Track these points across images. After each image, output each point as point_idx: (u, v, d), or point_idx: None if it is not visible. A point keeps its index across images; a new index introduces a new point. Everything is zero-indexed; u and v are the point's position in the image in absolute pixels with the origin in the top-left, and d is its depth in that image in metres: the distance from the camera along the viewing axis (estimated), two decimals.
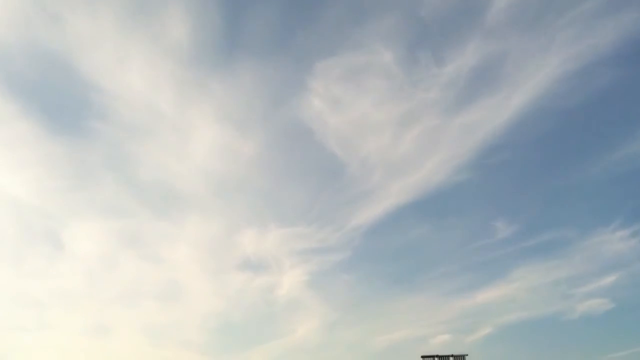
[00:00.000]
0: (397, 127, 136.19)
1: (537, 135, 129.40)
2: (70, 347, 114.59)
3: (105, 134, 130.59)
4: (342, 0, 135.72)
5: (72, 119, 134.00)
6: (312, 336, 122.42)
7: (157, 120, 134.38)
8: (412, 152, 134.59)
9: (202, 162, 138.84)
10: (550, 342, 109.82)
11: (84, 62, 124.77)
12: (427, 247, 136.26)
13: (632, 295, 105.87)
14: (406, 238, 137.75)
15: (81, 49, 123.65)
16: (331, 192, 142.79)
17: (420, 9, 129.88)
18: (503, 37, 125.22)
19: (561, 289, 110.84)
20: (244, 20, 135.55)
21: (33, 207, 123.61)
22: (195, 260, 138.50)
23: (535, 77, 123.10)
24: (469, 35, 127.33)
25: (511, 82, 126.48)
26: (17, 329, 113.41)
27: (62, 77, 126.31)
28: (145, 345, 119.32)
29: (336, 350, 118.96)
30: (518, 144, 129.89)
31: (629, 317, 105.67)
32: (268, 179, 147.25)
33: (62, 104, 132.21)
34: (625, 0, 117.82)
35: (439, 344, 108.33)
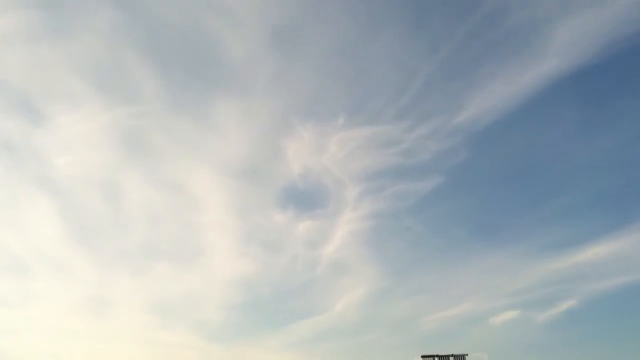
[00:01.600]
0: None
1: None
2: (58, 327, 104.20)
3: None
4: None
5: None
6: (351, 313, 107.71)
7: None
8: None
9: None
10: None
11: None
12: (563, 158, 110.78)
13: None
14: (538, 142, 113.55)
15: None
16: (452, 49, 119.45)
17: None
18: None
19: None
20: None
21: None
22: (219, 190, 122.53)
23: None
24: None
25: None
26: None
27: None
28: (150, 327, 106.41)
29: (377, 331, 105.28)
30: None
31: None
32: (342, 27, 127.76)
33: None
34: None
35: (499, 325, 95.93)
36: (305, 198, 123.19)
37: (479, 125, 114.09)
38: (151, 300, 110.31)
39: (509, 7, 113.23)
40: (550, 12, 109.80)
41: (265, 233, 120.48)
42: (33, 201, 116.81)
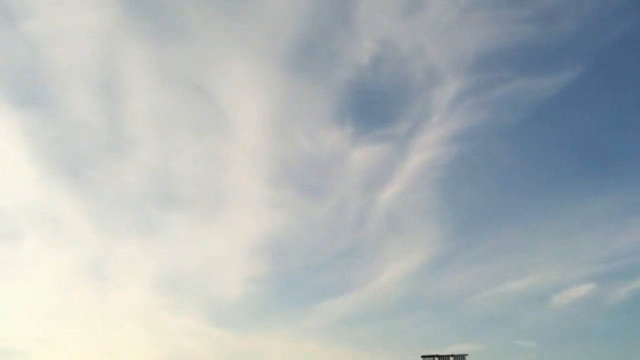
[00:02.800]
0: None
1: None
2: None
3: None
4: None
5: None
6: (394, 290, 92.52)
7: None
8: None
9: None
10: None
11: None
12: None
13: None
14: None
15: None
16: None
17: None
18: None
19: None
20: None
21: None
22: (253, 96, 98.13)
23: None
24: None
25: None
26: None
27: None
28: (154, 308, 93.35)
29: (418, 314, 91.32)
30: None
31: None
32: None
33: None
34: None
35: (565, 305, 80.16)
36: (374, 104, 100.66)
37: None
38: (158, 272, 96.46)
39: None
40: None
41: (308, 165, 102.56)
42: None
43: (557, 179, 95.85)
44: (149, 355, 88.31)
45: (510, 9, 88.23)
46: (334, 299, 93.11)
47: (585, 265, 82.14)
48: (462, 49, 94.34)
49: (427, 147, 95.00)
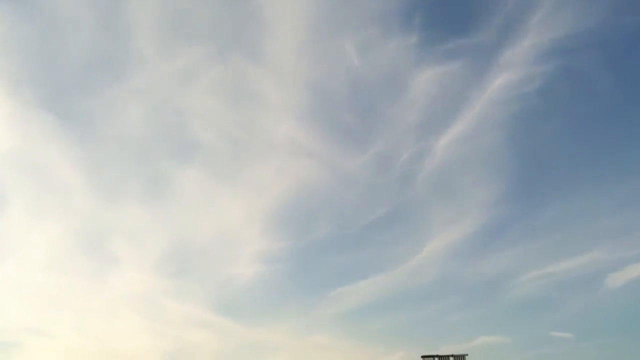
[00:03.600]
0: None
1: None
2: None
3: None
4: None
5: None
6: (430, 269, 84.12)
7: None
8: None
9: None
10: None
11: None
12: None
13: None
14: None
15: None
16: None
17: None
18: None
19: None
20: None
21: None
22: None
23: None
24: None
25: None
26: None
27: None
28: (158, 292, 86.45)
29: (455, 296, 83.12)
30: None
31: None
32: None
33: None
34: None
35: (620, 286, 69.49)
36: (451, 2, 70.45)
37: None
38: (164, 248, 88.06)
39: None
40: None
41: (351, 94, 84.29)
42: None
43: None
44: (150, 348, 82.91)
45: None
46: (355, 282, 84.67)
47: None
48: None
49: (513, 65, 70.11)
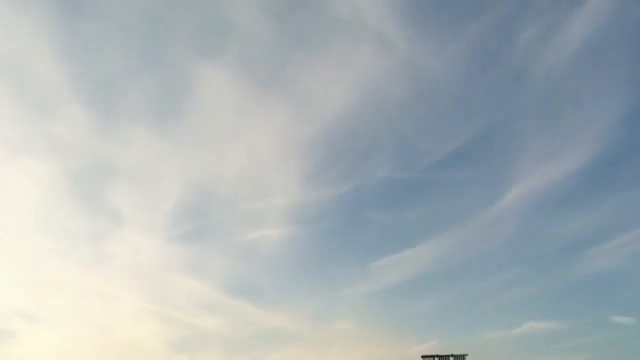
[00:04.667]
0: None
1: None
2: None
3: None
4: None
5: None
6: (508, 222, 73.27)
7: None
8: None
9: None
10: None
11: None
12: None
13: None
14: None
15: None
16: None
17: None
18: None
19: None
20: None
21: None
22: None
23: None
24: None
25: None
26: None
27: None
28: (164, 268, 77.58)
29: (516, 268, 73.45)
30: None
31: None
32: None
33: None
34: None
35: None
36: None
37: None
38: (175, 200, 74.92)
39: None
40: None
41: None
42: None
43: None
44: (155, 337, 75.71)
45: None
46: (400, 251, 71.73)
47: None
48: None
49: None
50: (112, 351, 71.89)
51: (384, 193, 77.14)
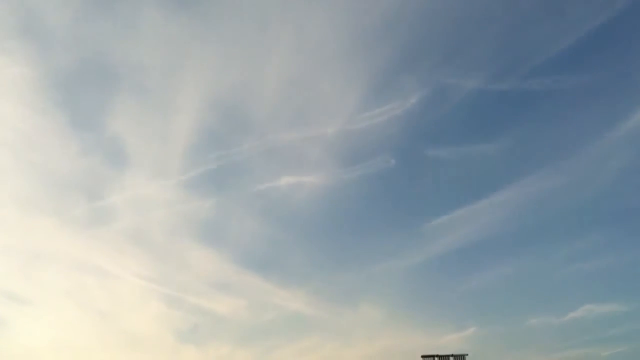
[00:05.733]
0: None
1: None
2: None
3: None
4: None
5: None
6: (622, 155, 59.80)
7: None
8: None
9: None
10: None
11: None
12: None
13: None
14: None
15: None
16: None
17: None
18: None
19: None
20: None
21: None
22: None
23: None
24: None
25: None
26: None
27: None
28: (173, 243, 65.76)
29: (608, 228, 63.79)
30: None
31: None
32: None
33: None
34: None
35: None
36: None
37: None
38: (196, 112, 60.25)
39: None
40: None
41: None
42: None
43: None
44: (161, 325, 67.76)
45: None
46: (473, 202, 55.99)
47: None
48: None
49: None
50: (112, 341, 65.32)
51: (462, 114, 56.19)
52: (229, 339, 64.88)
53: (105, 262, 69.15)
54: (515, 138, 60.03)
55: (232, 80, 61.13)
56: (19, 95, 61.56)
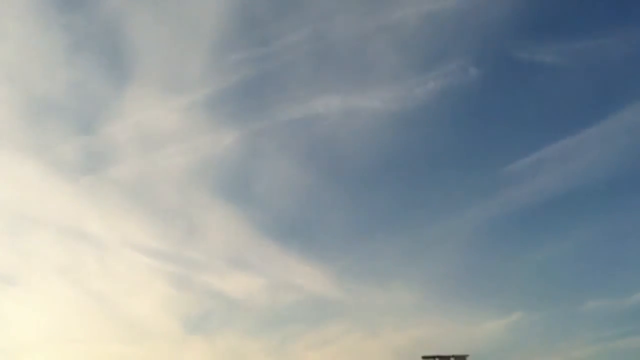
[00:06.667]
0: None
1: None
2: None
3: None
4: None
5: None
6: None
7: None
8: None
9: None
10: None
11: None
12: None
13: None
14: None
15: None
16: None
17: None
18: None
19: None
20: None
21: None
22: None
23: None
24: None
25: None
26: None
27: None
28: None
29: None
30: None
31: None
32: None
33: None
34: None
35: None
36: None
37: None
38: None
39: None
40: None
41: None
42: None
43: None
44: (167, 309, 55.43)
45: None
46: (579, 131, 43.18)
47: None
48: None
49: None
50: (112, 331, 52.46)
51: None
52: (239, 328, 53.28)
53: (101, 229, 54.46)
54: None
55: None
56: None
